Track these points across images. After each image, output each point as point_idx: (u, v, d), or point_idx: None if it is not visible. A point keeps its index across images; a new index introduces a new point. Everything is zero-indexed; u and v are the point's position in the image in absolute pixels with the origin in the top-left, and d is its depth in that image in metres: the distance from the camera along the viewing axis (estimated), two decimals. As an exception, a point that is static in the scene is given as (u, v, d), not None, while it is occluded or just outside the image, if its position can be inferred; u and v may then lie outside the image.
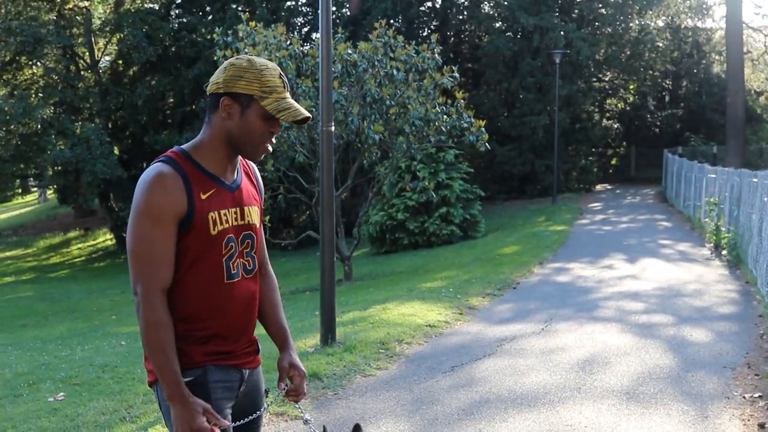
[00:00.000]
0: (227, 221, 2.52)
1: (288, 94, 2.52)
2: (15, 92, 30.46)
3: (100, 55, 33.65)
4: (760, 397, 5.87)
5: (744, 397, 5.91)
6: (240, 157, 2.63)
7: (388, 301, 10.81)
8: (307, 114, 2.49)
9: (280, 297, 2.84)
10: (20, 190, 57.69)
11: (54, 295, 21.19)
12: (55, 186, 38.66)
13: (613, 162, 40.48)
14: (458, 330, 8.89)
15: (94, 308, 17.90)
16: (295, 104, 2.50)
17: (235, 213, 2.55)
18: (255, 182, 2.73)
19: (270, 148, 2.57)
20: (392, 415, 5.73)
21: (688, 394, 6.04)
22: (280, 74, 2.50)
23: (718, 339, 7.93)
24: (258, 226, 2.66)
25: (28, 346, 11.32)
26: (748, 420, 5.38)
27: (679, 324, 8.71)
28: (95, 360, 8.67)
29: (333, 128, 7.86)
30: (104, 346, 10.11)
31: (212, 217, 2.47)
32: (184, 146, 2.56)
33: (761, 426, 5.21)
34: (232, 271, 2.54)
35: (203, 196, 2.47)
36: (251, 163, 2.75)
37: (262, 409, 2.76)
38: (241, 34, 14.38)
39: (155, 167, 2.47)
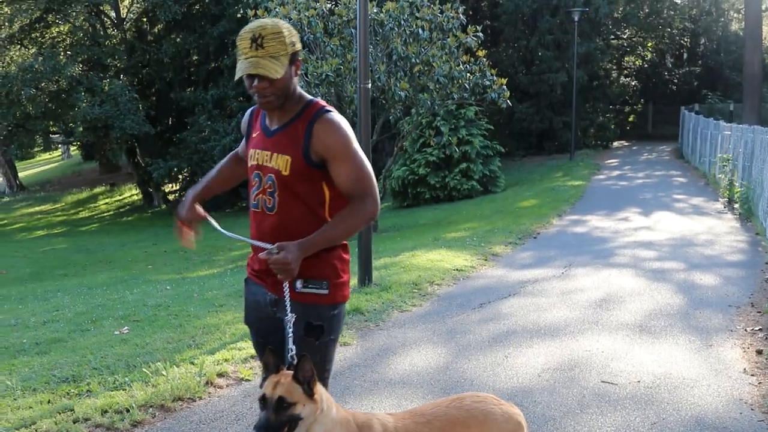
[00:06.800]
0: (257, 159, 3.05)
1: (251, 53, 2.81)
2: (42, 50, 30.97)
3: (125, 13, 34.07)
4: (760, 329, 6.52)
5: (746, 330, 6.55)
6: (306, 112, 2.95)
7: (416, 249, 11.49)
8: (247, 72, 2.81)
9: (338, 220, 2.91)
10: (42, 147, 58.39)
11: (88, 247, 21.95)
12: (79, 142, 39.32)
13: (631, 119, 40.72)
14: (484, 274, 9.57)
15: (129, 259, 18.63)
16: (246, 64, 2.81)
17: (267, 155, 3.02)
18: (302, 136, 2.91)
19: (260, 100, 2.92)
20: (430, 342, 6.44)
21: (694, 327, 6.68)
22: (252, 36, 2.82)
23: (725, 283, 8.54)
24: (284, 172, 2.92)
25: (76, 292, 12.01)
26: (748, 348, 6.03)
27: (689, 270, 9.33)
28: (147, 301, 9.36)
29: (369, 86, 8.46)
30: (151, 290, 10.81)
31: (251, 153, 3.10)
32: None
33: (759, 352, 5.87)
34: (253, 201, 3.09)
35: (253, 135, 3.13)
36: (325, 120, 2.90)
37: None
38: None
39: None
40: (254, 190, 3.05)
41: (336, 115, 2.94)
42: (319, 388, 2.69)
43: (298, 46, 2.93)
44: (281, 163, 2.93)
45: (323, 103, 3.00)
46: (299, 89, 3.01)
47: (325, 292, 2.95)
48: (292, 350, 2.84)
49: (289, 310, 2.87)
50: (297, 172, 2.91)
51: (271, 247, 2.80)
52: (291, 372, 2.69)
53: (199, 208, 3.24)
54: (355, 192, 2.91)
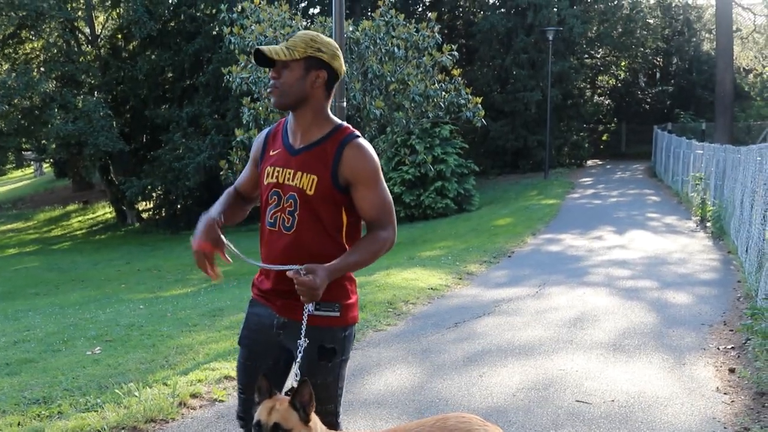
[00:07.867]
0: (276, 177, 3.01)
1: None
2: (15, 66, 30.70)
3: (100, 30, 33.90)
4: (732, 348, 6.57)
5: (718, 348, 6.60)
6: (336, 134, 2.97)
7: (391, 267, 11.48)
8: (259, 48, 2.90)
9: (362, 247, 2.92)
10: (14, 164, 57.76)
11: (60, 266, 21.69)
12: (52, 159, 38.99)
13: (604, 138, 41.08)
14: (458, 293, 9.59)
15: (102, 278, 18.44)
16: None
17: (290, 173, 2.98)
18: (331, 158, 2.92)
19: (269, 91, 3.01)
20: (404, 361, 6.42)
21: (668, 346, 6.73)
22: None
23: (698, 301, 8.61)
24: (309, 192, 2.91)
25: (48, 311, 11.87)
26: (721, 366, 6.08)
27: (662, 288, 9.40)
28: (120, 321, 9.26)
29: (345, 104, 8.48)
30: (124, 310, 10.70)
31: (267, 170, 3.05)
32: None
33: (731, 371, 5.91)
34: (269, 220, 3.03)
35: (271, 153, 3.07)
36: (356, 146, 2.94)
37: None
38: (247, 12, 14.82)
39: None
40: (272, 208, 3.02)
41: (365, 142, 3.00)
42: (313, 415, 2.66)
43: (324, 57, 2.91)
44: (306, 182, 2.92)
45: (352, 128, 3.03)
46: (329, 112, 3.04)
47: (337, 314, 2.95)
48: (297, 375, 2.80)
49: (303, 334, 2.84)
50: (322, 193, 2.92)
51: (299, 268, 2.73)
52: (285, 397, 2.66)
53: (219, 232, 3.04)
54: (378, 220, 2.97)
